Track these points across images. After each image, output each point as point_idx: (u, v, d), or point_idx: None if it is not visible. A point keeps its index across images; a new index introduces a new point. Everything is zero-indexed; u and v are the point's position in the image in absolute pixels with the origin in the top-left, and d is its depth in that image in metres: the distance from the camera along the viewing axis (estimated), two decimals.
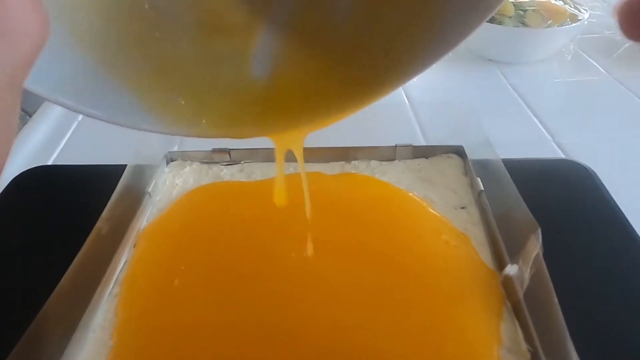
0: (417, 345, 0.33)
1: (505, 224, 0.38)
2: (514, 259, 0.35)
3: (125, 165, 0.43)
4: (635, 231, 0.40)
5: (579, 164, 0.50)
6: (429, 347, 0.32)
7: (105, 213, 0.37)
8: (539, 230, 0.32)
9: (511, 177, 0.42)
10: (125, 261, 0.39)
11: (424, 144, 0.54)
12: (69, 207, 0.45)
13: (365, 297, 0.36)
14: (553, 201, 0.44)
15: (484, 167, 0.45)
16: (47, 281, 0.32)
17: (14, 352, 0.28)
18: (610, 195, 0.45)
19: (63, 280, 0.32)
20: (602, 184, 0.47)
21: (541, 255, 0.31)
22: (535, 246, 0.32)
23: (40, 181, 0.50)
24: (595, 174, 0.48)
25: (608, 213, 0.43)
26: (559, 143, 0.58)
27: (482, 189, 0.43)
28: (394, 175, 0.47)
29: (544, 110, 0.63)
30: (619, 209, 0.43)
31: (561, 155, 0.56)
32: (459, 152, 0.49)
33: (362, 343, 0.33)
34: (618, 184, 0.47)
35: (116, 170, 0.43)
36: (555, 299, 0.29)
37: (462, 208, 0.43)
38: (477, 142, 0.46)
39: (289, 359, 0.32)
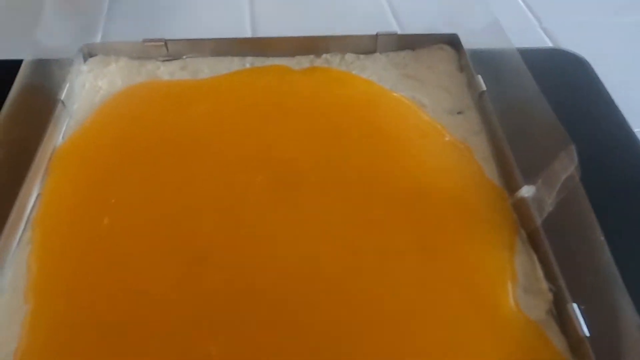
0: (414, 286, 0.27)
1: (517, 134, 0.32)
2: (529, 179, 0.29)
3: (20, 62, 0.31)
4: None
5: (570, 52, 0.43)
6: (429, 286, 0.27)
7: None
8: (572, 147, 0.25)
9: (480, 70, 0.34)
10: (37, 195, 0.30)
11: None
12: None
13: (350, 231, 0.29)
14: (546, 97, 0.37)
15: (485, 61, 0.37)
16: None
17: None
18: (606, 89, 0.39)
19: None
20: (595, 75, 0.41)
21: (577, 178, 0.25)
22: (565, 166, 0.25)
23: None
24: (587, 63, 0.42)
25: (605, 109, 0.38)
26: (546, 29, 0.50)
27: (484, 88, 0.35)
28: (375, 72, 0.39)
29: None
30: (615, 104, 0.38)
31: (549, 44, 0.48)
32: (453, 41, 0.40)
33: (351, 290, 0.26)
34: (613, 75, 0.40)
35: (6, 68, 0.31)
36: (602, 236, 0.23)
37: (459, 113, 0.36)
38: (477, 27, 0.38)
39: (252, 317, 0.26)
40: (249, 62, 0.39)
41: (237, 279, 0.27)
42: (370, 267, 0.27)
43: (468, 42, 0.39)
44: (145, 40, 0.38)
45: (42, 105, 0.32)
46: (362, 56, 0.40)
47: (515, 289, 0.26)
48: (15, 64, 0.31)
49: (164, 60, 0.39)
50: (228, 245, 0.28)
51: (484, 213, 0.30)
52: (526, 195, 0.28)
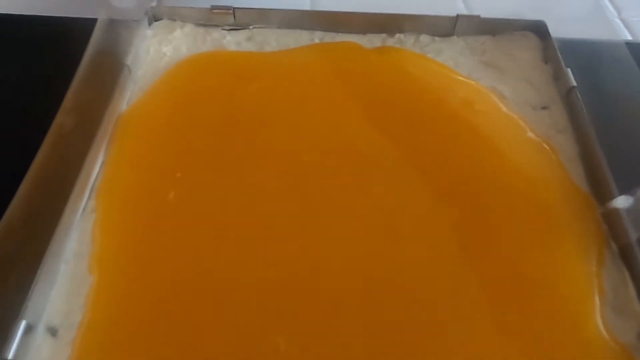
0: (492, 295, 0.25)
1: (611, 136, 0.29)
2: (623, 187, 0.26)
3: (92, 21, 0.30)
4: None
5: None
6: (507, 296, 0.25)
7: (67, 100, 0.26)
8: None
9: (570, 62, 0.31)
10: (102, 163, 0.29)
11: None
12: (17, 75, 0.33)
13: (426, 231, 0.27)
14: (622, 97, 0.34)
15: (576, 53, 0.34)
16: None
17: None
18: None
19: (17, 197, 0.22)
20: None
21: None
22: None
23: None
24: None
25: None
26: (626, 20, 0.46)
27: (574, 84, 0.32)
28: (451, 57, 0.36)
29: None
30: None
31: (628, 37, 0.44)
32: (539, 29, 0.37)
33: (427, 296, 0.25)
34: None
35: (78, 27, 0.30)
36: None
37: (543, 108, 0.33)
38: (570, 13, 0.34)
39: (317, 309, 0.24)
40: (317, 37, 0.38)
41: (305, 267, 0.25)
42: (445, 271, 0.26)
43: (556, 31, 0.36)
44: (213, 7, 0.36)
45: (109, 69, 0.31)
46: (437, 38, 0.37)
47: (603, 307, 0.24)
48: (87, 23, 0.30)
49: (230, 29, 0.37)
50: (295, 229, 0.27)
51: (568, 220, 0.28)
52: (621, 206, 0.26)
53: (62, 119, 0.25)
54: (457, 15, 0.37)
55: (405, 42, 0.37)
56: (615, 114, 0.29)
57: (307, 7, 0.42)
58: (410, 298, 0.25)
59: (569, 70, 0.33)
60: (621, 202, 0.26)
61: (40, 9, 0.38)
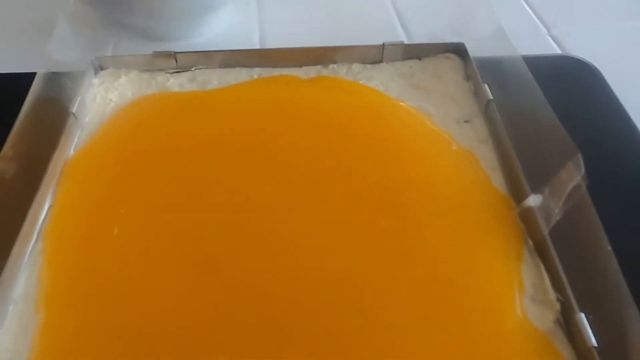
0: (422, 295, 0.27)
1: (524, 143, 0.32)
2: (537, 188, 0.29)
3: (33, 75, 0.32)
4: None
5: (580, 59, 0.43)
6: (436, 295, 0.27)
7: (6, 148, 0.27)
8: (579, 156, 0.25)
9: (487, 78, 0.34)
10: (49, 207, 0.30)
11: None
12: None
13: (357, 240, 0.29)
14: (556, 105, 0.37)
15: (491, 69, 0.37)
16: None
17: None
18: (616, 96, 0.39)
19: None
20: (606, 82, 0.41)
21: (584, 187, 0.25)
22: (572, 175, 0.25)
23: None
24: (597, 70, 0.42)
25: (615, 116, 0.37)
26: (555, 37, 0.50)
27: (491, 97, 0.35)
28: (382, 82, 0.39)
29: None
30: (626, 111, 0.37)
31: (558, 51, 0.48)
32: (459, 50, 0.40)
33: (357, 299, 0.27)
34: (623, 82, 0.40)
35: (19, 81, 0.32)
36: (609, 246, 0.23)
37: (466, 122, 0.36)
38: (482, 35, 0.38)
39: (261, 327, 0.26)
40: (256, 73, 0.40)
41: (246, 288, 0.27)
42: (377, 275, 0.27)
43: (474, 50, 0.39)
44: (155, 53, 0.39)
45: (54, 118, 0.32)
46: (368, 66, 0.40)
47: (522, 298, 0.26)
48: (28, 77, 0.32)
49: (173, 73, 0.40)
50: (237, 254, 0.28)
51: (490, 222, 0.30)
52: (533, 204, 0.28)
53: (3, 166, 0.26)
54: (384, 44, 0.40)
55: (339, 71, 0.40)
56: (523, 122, 0.32)
57: (257, 46, 0.45)
58: (347, 304, 0.26)
59: (485, 85, 0.36)
60: (532, 200, 0.28)
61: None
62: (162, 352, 0.25)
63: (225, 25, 0.47)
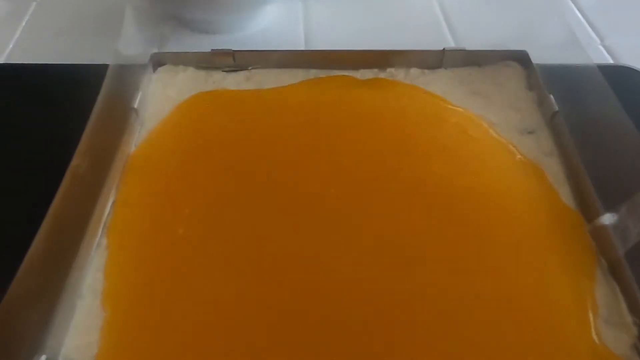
0: (488, 311, 0.26)
1: (594, 157, 0.31)
2: (610, 205, 0.28)
3: (100, 67, 0.32)
4: None
5: (633, 69, 0.42)
6: (503, 312, 0.26)
7: (82, 144, 0.28)
8: None
9: (553, 88, 0.33)
10: (113, 202, 0.30)
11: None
12: (33, 121, 0.35)
13: (422, 251, 0.28)
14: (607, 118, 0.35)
15: (557, 78, 0.36)
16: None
17: None
18: None
19: (38, 236, 0.24)
20: None
21: None
22: None
23: None
24: None
25: None
26: (608, 47, 0.48)
27: (557, 109, 0.34)
28: (440, 87, 0.38)
29: (586, 4, 0.51)
30: None
31: (609, 61, 0.46)
32: (521, 58, 0.39)
33: (424, 310, 0.26)
34: None
35: (85, 72, 0.32)
36: None
37: (530, 133, 0.35)
38: (549, 42, 0.36)
39: (325, 333, 0.25)
40: (313, 74, 0.40)
41: (312, 291, 0.27)
42: (441, 288, 0.27)
43: (538, 58, 0.38)
44: (213, 51, 0.39)
45: (118, 113, 0.32)
46: (427, 71, 0.39)
47: (596, 320, 0.25)
48: (89, 69, 0.33)
49: (229, 71, 0.39)
50: (303, 257, 0.28)
51: (559, 238, 0.29)
52: (608, 222, 0.27)
53: (78, 161, 0.27)
54: (444, 49, 0.39)
55: (396, 75, 0.39)
56: (596, 135, 0.31)
57: (302, 47, 0.45)
58: (415, 318, 0.26)
59: (551, 96, 0.35)
60: (608, 219, 0.27)
61: (53, 58, 0.40)
62: (226, 354, 0.25)
63: (270, 20, 0.47)
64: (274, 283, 0.27)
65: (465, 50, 0.39)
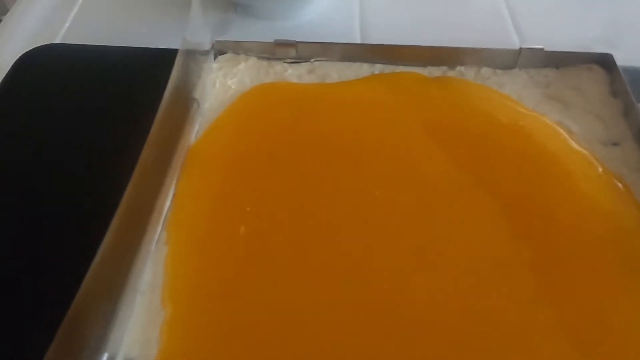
0: (566, 346, 0.24)
1: None
2: None
3: (164, 52, 0.31)
4: None
5: None
6: (584, 346, 0.24)
7: (151, 135, 0.27)
8: None
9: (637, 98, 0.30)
10: (173, 195, 0.30)
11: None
12: (90, 97, 0.34)
13: (495, 268, 0.27)
14: None
15: None
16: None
17: (57, 338, 0.20)
18: None
19: (109, 232, 0.23)
20: None
21: None
22: None
23: (49, 62, 0.38)
24: None
25: None
26: None
27: None
28: (514, 90, 0.36)
29: None
30: None
31: None
32: (605, 62, 0.36)
33: (501, 334, 0.24)
34: None
35: (140, 55, 0.33)
36: None
37: (614, 145, 0.32)
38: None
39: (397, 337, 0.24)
40: (378, 69, 0.38)
41: (380, 298, 0.25)
42: (520, 314, 0.25)
43: (627, 62, 0.35)
44: (277, 41, 0.37)
45: (181, 103, 0.31)
46: (499, 71, 0.37)
47: None
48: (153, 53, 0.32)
49: (291, 63, 0.38)
50: (364, 257, 0.27)
51: None
52: None
53: (147, 153, 0.26)
54: (520, 48, 0.36)
55: (466, 74, 0.37)
56: None
57: (357, 34, 0.43)
58: (489, 343, 0.24)
59: None
60: None
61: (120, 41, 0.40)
62: (294, 352, 0.24)
63: (326, 7, 0.45)
64: (336, 283, 0.26)
65: (543, 51, 0.36)
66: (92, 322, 0.22)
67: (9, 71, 0.37)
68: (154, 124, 0.27)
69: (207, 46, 0.36)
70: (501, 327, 0.25)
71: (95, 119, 0.34)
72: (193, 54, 0.34)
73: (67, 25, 0.44)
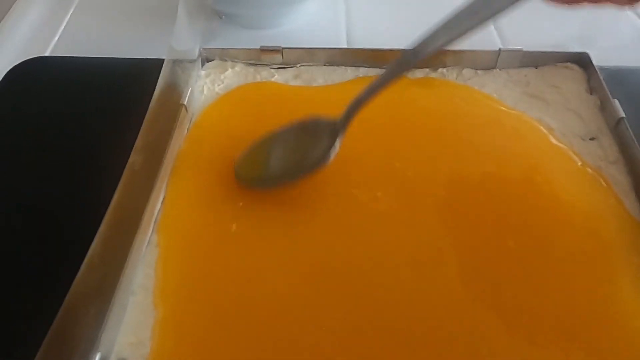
0: (555, 329, 0.25)
1: None
2: None
3: (151, 62, 0.31)
4: None
5: None
6: (564, 336, 0.25)
7: (139, 140, 0.27)
8: None
9: (617, 92, 0.31)
10: (163, 198, 0.30)
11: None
12: (80, 108, 0.35)
13: (483, 262, 0.27)
14: None
15: (622, 82, 0.34)
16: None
17: (47, 340, 0.20)
18: None
19: (98, 234, 0.24)
20: None
21: None
22: None
23: (39, 74, 0.39)
24: None
25: None
26: None
27: (623, 115, 0.33)
28: (495, 89, 0.37)
29: None
30: None
31: None
32: (581, 60, 0.37)
33: (495, 327, 0.25)
34: None
35: (128, 66, 0.33)
36: None
37: (592, 139, 0.33)
38: (614, 43, 0.35)
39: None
40: (362, 72, 0.39)
41: (365, 293, 0.26)
42: (505, 302, 0.26)
43: (602, 60, 0.36)
44: (262, 47, 0.38)
45: (169, 109, 0.32)
46: (480, 72, 0.38)
47: None
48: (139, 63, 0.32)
49: (278, 68, 0.39)
50: (354, 259, 0.27)
51: (625, 251, 0.27)
52: None
53: (134, 158, 0.26)
54: (500, 49, 0.37)
55: (448, 75, 0.38)
56: None
57: (344, 41, 0.44)
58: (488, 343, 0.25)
59: (616, 101, 0.33)
60: None
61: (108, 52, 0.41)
62: (285, 351, 0.24)
63: (312, 15, 0.46)
64: (330, 281, 0.26)
65: (522, 51, 0.37)
66: (83, 324, 0.22)
67: None
68: (141, 129, 0.27)
69: (194, 54, 0.37)
70: (492, 323, 0.25)
71: (86, 129, 0.34)
72: (180, 62, 0.34)
73: (56, 38, 0.45)
